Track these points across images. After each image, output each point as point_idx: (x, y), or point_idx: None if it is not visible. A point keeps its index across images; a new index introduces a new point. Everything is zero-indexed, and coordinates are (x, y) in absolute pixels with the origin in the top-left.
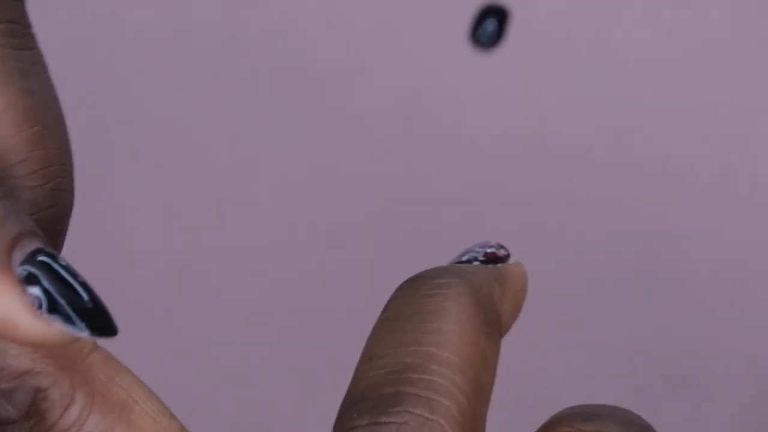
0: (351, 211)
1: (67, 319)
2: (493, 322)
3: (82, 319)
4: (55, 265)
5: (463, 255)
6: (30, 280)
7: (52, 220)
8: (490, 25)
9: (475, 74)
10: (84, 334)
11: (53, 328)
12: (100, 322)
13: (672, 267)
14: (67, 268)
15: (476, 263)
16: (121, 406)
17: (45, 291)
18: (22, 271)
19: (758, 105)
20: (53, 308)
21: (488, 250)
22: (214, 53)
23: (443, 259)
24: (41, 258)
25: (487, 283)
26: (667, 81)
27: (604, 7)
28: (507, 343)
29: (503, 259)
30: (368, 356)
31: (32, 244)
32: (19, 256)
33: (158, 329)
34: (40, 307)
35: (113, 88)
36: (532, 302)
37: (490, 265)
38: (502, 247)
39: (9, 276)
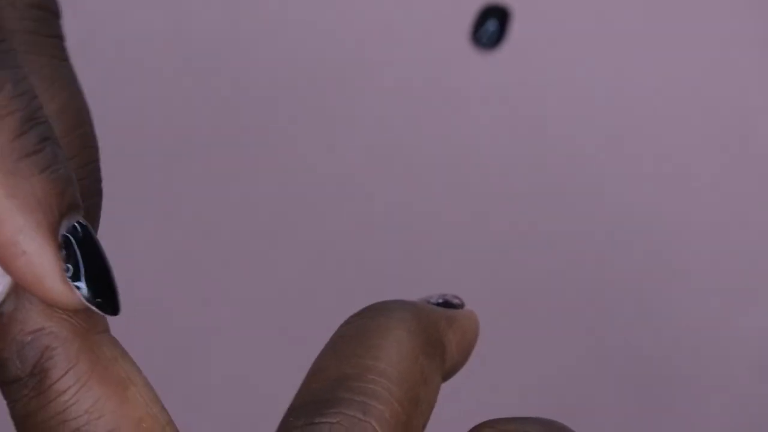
0: (351, 211)
1: (86, 290)
2: (435, 345)
3: (96, 294)
4: (90, 242)
5: (419, 299)
6: (66, 247)
7: (92, 209)
8: (492, 25)
9: (476, 74)
10: (94, 306)
11: (74, 295)
12: (110, 300)
13: (671, 267)
14: (99, 248)
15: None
16: (119, 383)
17: (75, 261)
18: (63, 237)
19: (759, 105)
20: (76, 277)
21: (444, 299)
22: (214, 53)
23: (443, 258)
24: (81, 232)
25: (433, 314)
26: (668, 81)
27: (605, 7)
28: (507, 342)
29: (456, 306)
30: (312, 371)
31: (78, 217)
32: (66, 224)
33: (158, 329)
34: (67, 272)
35: (113, 88)
36: (532, 302)
37: (441, 307)
38: (456, 297)
39: (54, 239)
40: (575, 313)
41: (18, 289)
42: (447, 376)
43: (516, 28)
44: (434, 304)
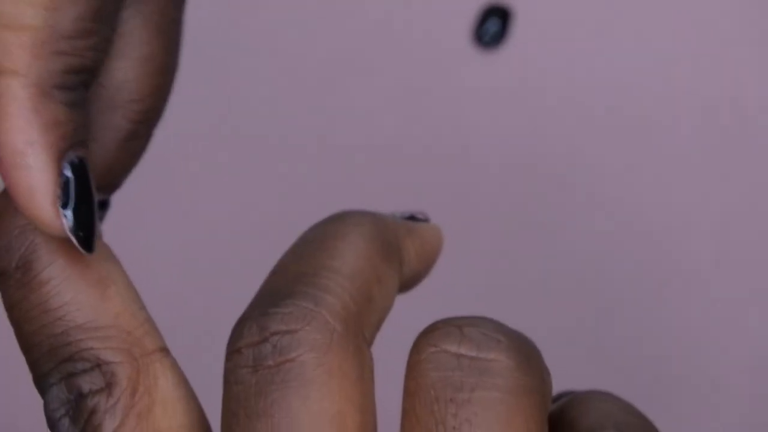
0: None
1: (71, 220)
2: (391, 249)
3: (77, 227)
4: (85, 177)
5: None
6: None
7: (135, 149)
8: (493, 25)
9: (477, 74)
10: (72, 237)
11: (58, 220)
12: (87, 236)
13: (671, 266)
14: (91, 186)
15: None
16: (99, 280)
17: (66, 191)
18: (65, 166)
19: (759, 105)
20: (64, 206)
21: (409, 214)
22: (214, 52)
23: (443, 260)
24: (79, 165)
25: (393, 223)
26: (669, 81)
27: (606, 7)
28: None
29: (419, 220)
30: (272, 272)
31: (83, 152)
32: (70, 154)
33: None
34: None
35: None
36: (532, 301)
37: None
38: (422, 213)
39: (58, 162)
40: (575, 313)
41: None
42: (407, 284)
43: (517, 28)
44: (399, 218)
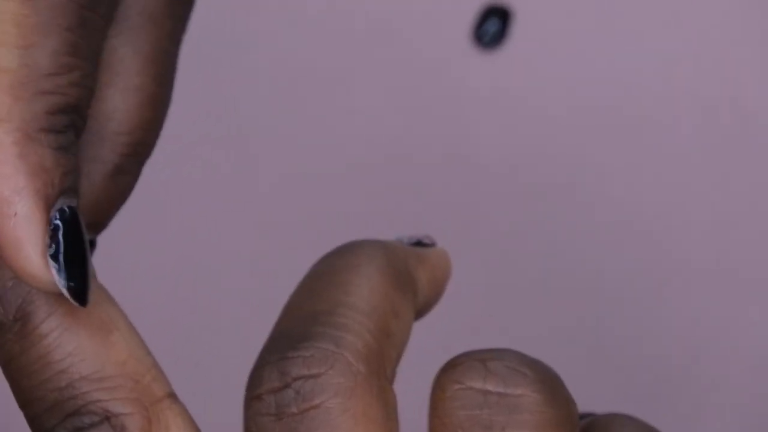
0: (351, 211)
1: (62, 272)
2: (406, 280)
3: (69, 278)
4: (76, 227)
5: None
6: (53, 229)
7: (124, 187)
8: (493, 25)
9: (477, 74)
10: (64, 289)
11: (48, 272)
12: (79, 287)
13: (671, 266)
14: (83, 235)
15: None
16: (101, 327)
17: (56, 243)
18: (54, 216)
19: (759, 105)
20: (54, 258)
21: (415, 239)
22: (214, 52)
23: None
24: (69, 214)
25: (403, 252)
26: (669, 80)
27: (606, 7)
28: (507, 342)
29: (427, 246)
30: (284, 310)
31: (73, 201)
32: (60, 202)
33: (160, 330)
34: (49, 248)
35: None
36: (532, 302)
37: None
38: (428, 236)
39: (46, 211)
40: (575, 313)
41: None
42: (420, 312)
43: (517, 28)
44: (406, 244)
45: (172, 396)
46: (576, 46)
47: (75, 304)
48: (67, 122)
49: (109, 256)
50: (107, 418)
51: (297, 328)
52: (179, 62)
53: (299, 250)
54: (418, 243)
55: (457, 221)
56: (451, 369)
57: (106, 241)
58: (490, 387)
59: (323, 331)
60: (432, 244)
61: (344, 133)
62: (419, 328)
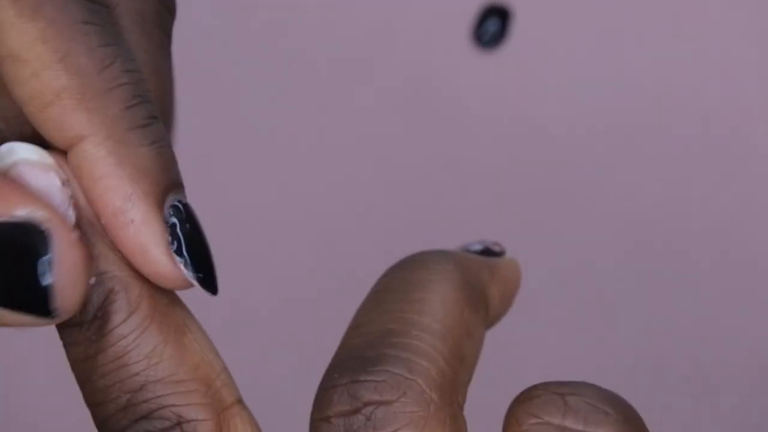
0: (351, 211)
1: (189, 265)
2: (479, 298)
3: (197, 270)
4: (193, 220)
5: (460, 247)
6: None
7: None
8: (493, 25)
9: (477, 74)
10: (195, 281)
11: (178, 268)
12: (208, 277)
13: (672, 266)
14: (200, 227)
15: (471, 254)
16: (177, 329)
17: (177, 238)
18: (167, 213)
19: (759, 105)
20: (179, 253)
21: (483, 246)
22: (214, 52)
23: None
24: (183, 210)
25: (476, 265)
26: (669, 80)
27: (605, 6)
28: (508, 342)
29: (497, 254)
30: (354, 325)
31: (182, 196)
32: (171, 198)
33: None
34: (171, 245)
35: None
36: (532, 301)
37: (482, 256)
38: (497, 244)
39: (160, 210)
40: (575, 313)
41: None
42: (489, 326)
43: (516, 28)
44: (474, 252)
45: (241, 402)
46: (575, 46)
47: (208, 293)
48: (146, 113)
49: None
50: (179, 423)
51: (368, 349)
52: (179, 61)
53: (299, 250)
54: (488, 251)
55: (456, 221)
56: (527, 401)
57: None
58: (569, 424)
59: (396, 355)
60: (502, 253)
61: (344, 132)
62: None
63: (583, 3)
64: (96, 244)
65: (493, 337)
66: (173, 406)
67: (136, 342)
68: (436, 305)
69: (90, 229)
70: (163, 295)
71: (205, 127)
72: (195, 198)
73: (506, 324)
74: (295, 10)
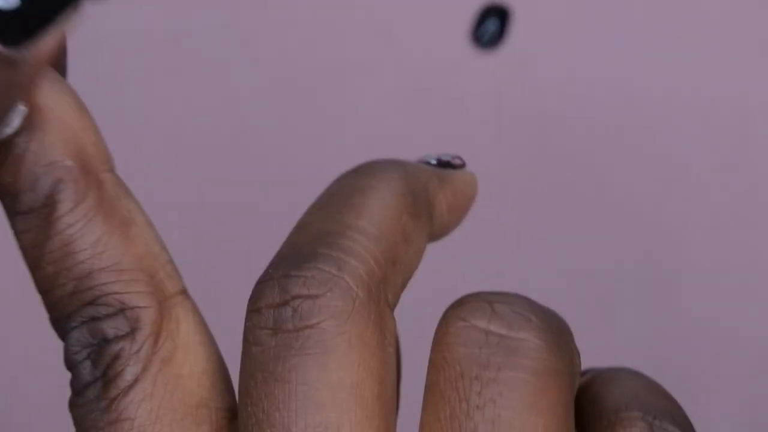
0: None
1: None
2: (422, 205)
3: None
4: None
5: (417, 159)
6: None
7: None
8: (492, 25)
9: (476, 74)
10: None
11: None
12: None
13: (672, 266)
14: None
15: (425, 164)
16: (122, 221)
17: None
18: None
19: (759, 104)
20: None
21: (442, 157)
22: (214, 52)
23: (443, 260)
24: None
25: (425, 174)
26: (668, 80)
27: (605, 7)
28: None
29: (456, 167)
30: (298, 224)
31: None
32: None
33: None
34: None
35: (114, 88)
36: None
37: (436, 167)
38: (458, 157)
39: None
40: (574, 314)
41: (33, 121)
42: (437, 236)
43: (516, 28)
44: (431, 164)
45: (184, 293)
46: (575, 46)
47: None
48: None
49: None
50: (122, 310)
51: (304, 246)
52: (179, 63)
53: None
54: (447, 164)
55: None
56: (458, 306)
57: None
58: (493, 328)
59: (328, 254)
60: (461, 165)
61: (343, 132)
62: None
63: (582, 3)
64: (44, 134)
65: None
66: (116, 293)
67: (82, 231)
68: (374, 210)
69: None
70: (112, 187)
71: (205, 126)
72: (196, 198)
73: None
74: (294, 10)
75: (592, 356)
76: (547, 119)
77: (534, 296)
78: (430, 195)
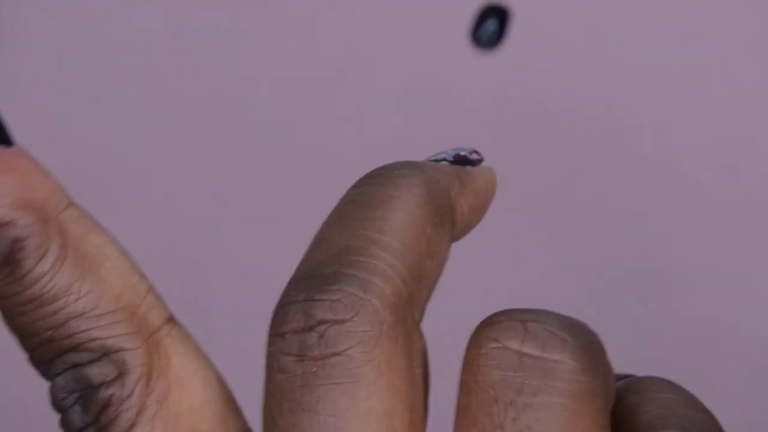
0: None
1: None
2: (445, 213)
3: None
4: None
5: (433, 156)
6: None
7: None
8: (491, 24)
9: (475, 74)
10: None
11: None
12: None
13: (671, 266)
14: None
15: (444, 163)
16: (92, 261)
17: None
18: None
19: (759, 104)
20: None
21: (460, 153)
22: (214, 52)
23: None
24: None
25: (445, 178)
26: (668, 81)
27: (605, 7)
28: None
29: (474, 162)
30: (317, 240)
31: None
32: None
33: None
34: None
35: (113, 88)
36: (531, 300)
37: (455, 165)
38: (475, 151)
39: None
40: (574, 313)
41: None
42: (458, 237)
43: (516, 28)
44: (448, 161)
45: (170, 321)
46: (574, 46)
47: (2, 147)
48: None
49: None
50: (106, 354)
51: (326, 266)
52: (179, 63)
53: (299, 252)
54: (464, 159)
55: None
56: (489, 326)
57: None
58: (527, 349)
59: (353, 274)
60: (479, 161)
61: (343, 132)
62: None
63: (582, 3)
64: None
65: None
66: (98, 339)
67: (51, 283)
68: (398, 223)
69: None
70: (75, 225)
71: (205, 126)
72: (196, 198)
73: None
74: (294, 10)
75: None
76: (546, 119)
77: (534, 296)
78: (452, 200)
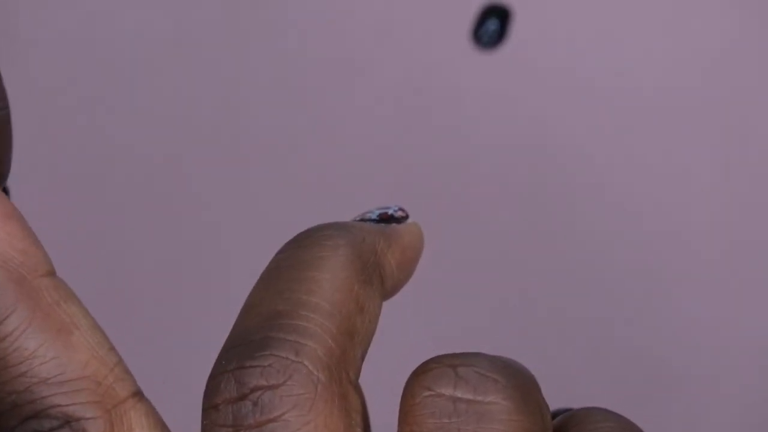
0: (350, 210)
1: None
2: (372, 270)
3: None
4: None
5: (359, 216)
6: None
7: None
8: (492, 24)
9: (476, 74)
10: None
11: None
12: None
13: (670, 266)
14: None
15: (369, 223)
16: (61, 328)
17: None
18: None
19: (759, 104)
20: None
21: (386, 211)
22: (214, 52)
23: (443, 260)
24: None
25: (371, 236)
26: (668, 80)
27: (605, 6)
28: (506, 343)
29: (399, 219)
30: (244, 308)
31: None
32: None
33: (155, 330)
34: None
35: (112, 88)
36: (532, 302)
37: (381, 224)
38: (400, 209)
39: None
40: (574, 313)
41: None
42: (388, 295)
43: (516, 28)
44: (372, 220)
45: (137, 395)
46: (575, 46)
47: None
48: None
49: (109, 252)
50: (68, 422)
51: (256, 332)
52: (179, 63)
53: None
54: (390, 218)
55: (456, 220)
56: (422, 374)
57: (107, 235)
58: (459, 394)
59: (283, 338)
60: (404, 218)
61: (344, 132)
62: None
63: (582, 3)
64: None
65: (493, 337)
66: (59, 406)
67: (16, 345)
68: (325, 283)
69: None
70: (48, 292)
71: (205, 126)
72: (195, 198)
73: (505, 323)
74: (294, 10)
75: (592, 357)
76: (546, 119)
77: (533, 296)
78: (379, 257)
